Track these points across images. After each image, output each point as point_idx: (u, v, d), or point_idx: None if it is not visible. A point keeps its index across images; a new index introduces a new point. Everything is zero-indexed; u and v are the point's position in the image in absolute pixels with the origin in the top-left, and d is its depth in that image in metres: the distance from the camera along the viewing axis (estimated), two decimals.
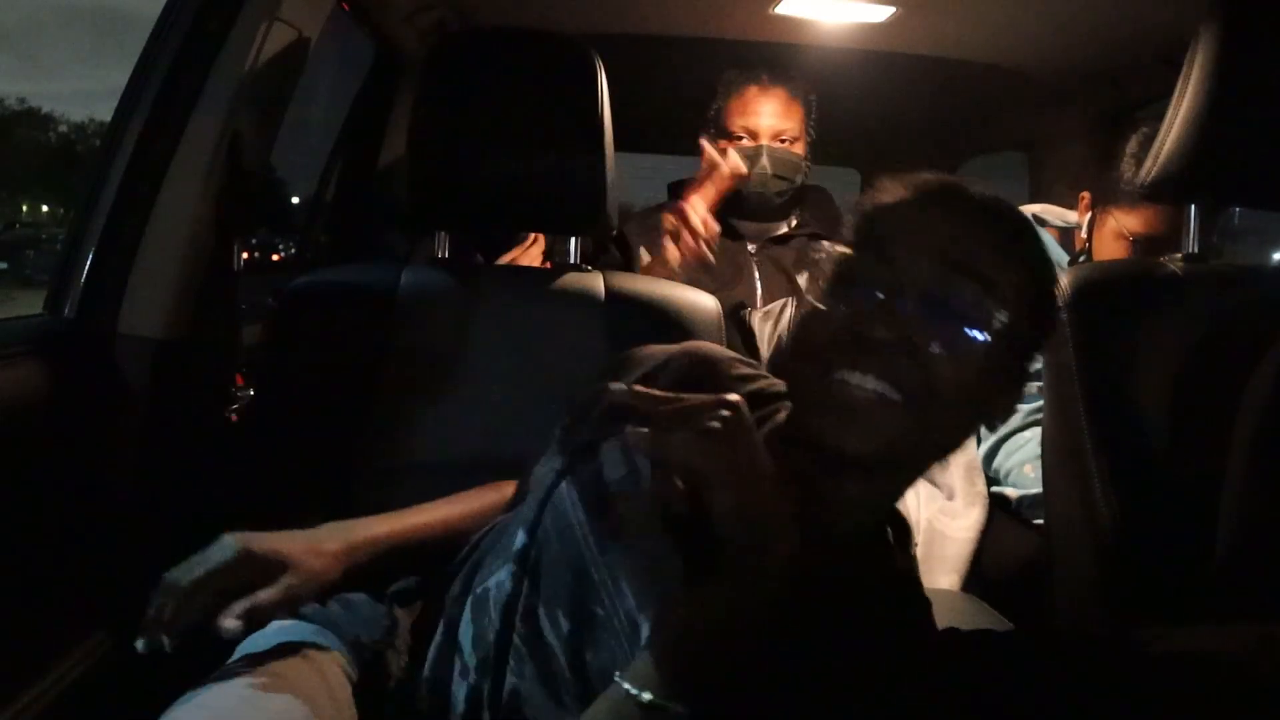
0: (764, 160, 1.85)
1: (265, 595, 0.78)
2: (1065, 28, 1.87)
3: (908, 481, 0.80)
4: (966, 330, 0.69)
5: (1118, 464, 1.06)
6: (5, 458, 0.99)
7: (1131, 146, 1.55)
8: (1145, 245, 1.54)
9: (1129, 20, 1.77)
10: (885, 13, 1.82)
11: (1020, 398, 0.78)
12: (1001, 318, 0.70)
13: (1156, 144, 1.13)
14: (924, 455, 0.75)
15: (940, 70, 2.13)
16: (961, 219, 0.73)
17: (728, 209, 1.93)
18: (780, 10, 1.85)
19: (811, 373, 0.71)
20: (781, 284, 1.90)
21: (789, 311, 1.69)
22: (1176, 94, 1.12)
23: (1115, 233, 1.60)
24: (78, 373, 1.12)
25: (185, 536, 1.15)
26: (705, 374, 0.86)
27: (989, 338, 0.69)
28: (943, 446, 0.76)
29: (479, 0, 1.89)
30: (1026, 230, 0.76)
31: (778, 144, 1.87)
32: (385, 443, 1.20)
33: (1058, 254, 1.72)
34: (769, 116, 1.87)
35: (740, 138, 1.87)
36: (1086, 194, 1.68)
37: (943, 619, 0.81)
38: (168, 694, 0.79)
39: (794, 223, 1.98)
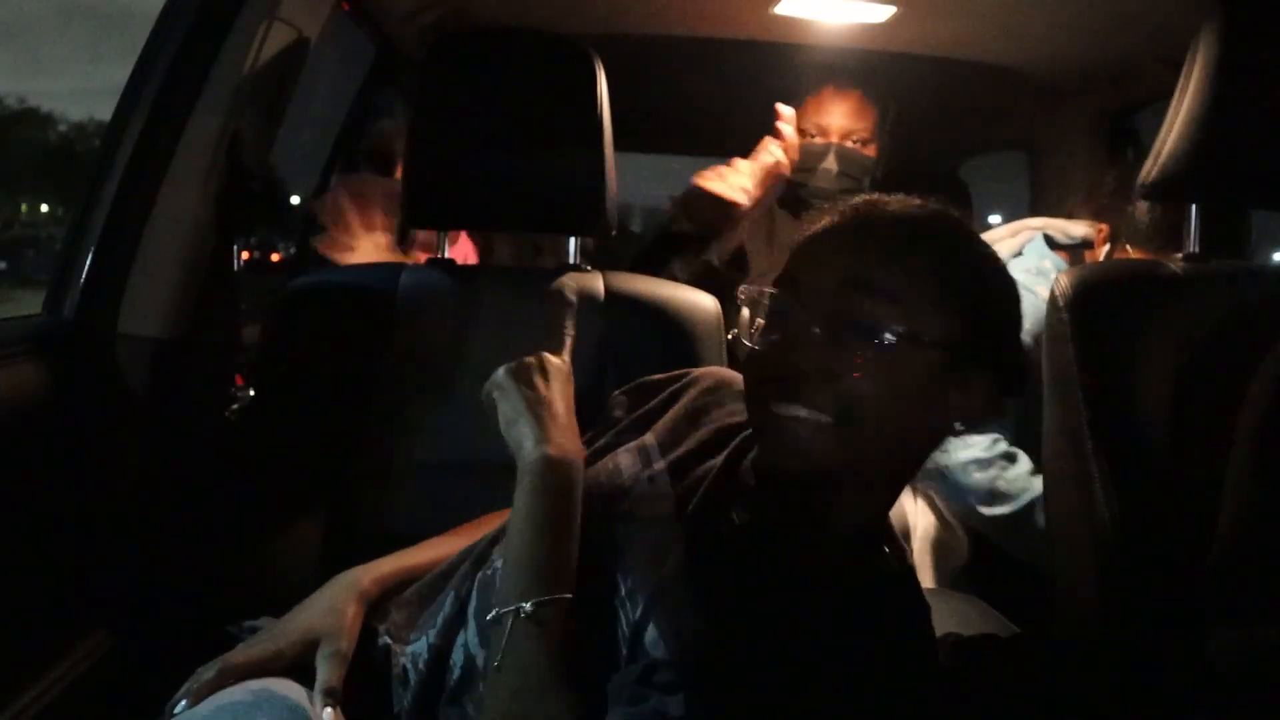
0: (830, 158, 1.90)
1: (325, 677, 0.80)
2: (1065, 28, 1.87)
3: (889, 492, 0.81)
4: (876, 346, 0.71)
5: (1118, 464, 1.06)
6: (5, 458, 0.99)
7: None
8: None
9: (1129, 20, 1.77)
10: (885, 13, 1.82)
11: (984, 402, 0.77)
12: (904, 328, 0.71)
13: (1157, 144, 1.13)
14: (884, 467, 0.77)
15: (940, 70, 2.13)
16: (861, 237, 0.75)
17: (793, 204, 1.99)
18: (780, 10, 1.85)
19: (755, 407, 0.76)
20: None
21: None
22: (1177, 94, 1.12)
23: None
24: (78, 373, 1.12)
25: (185, 536, 1.15)
26: (717, 397, 0.92)
27: (902, 349, 0.71)
28: (901, 457, 0.78)
29: (479, 0, 1.88)
30: (939, 237, 0.76)
31: (848, 144, 1.91)
32: (385, 443, 1.19)
33: None
34: (840, 116, 1.92)
35: (813, 135, 1.93)
36: (1106, 226, 1.65)
37: (943, 620, 0.81)
38: (167, 694, 0.79)
39: None
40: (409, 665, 0.84)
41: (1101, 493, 1.05)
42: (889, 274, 0.73)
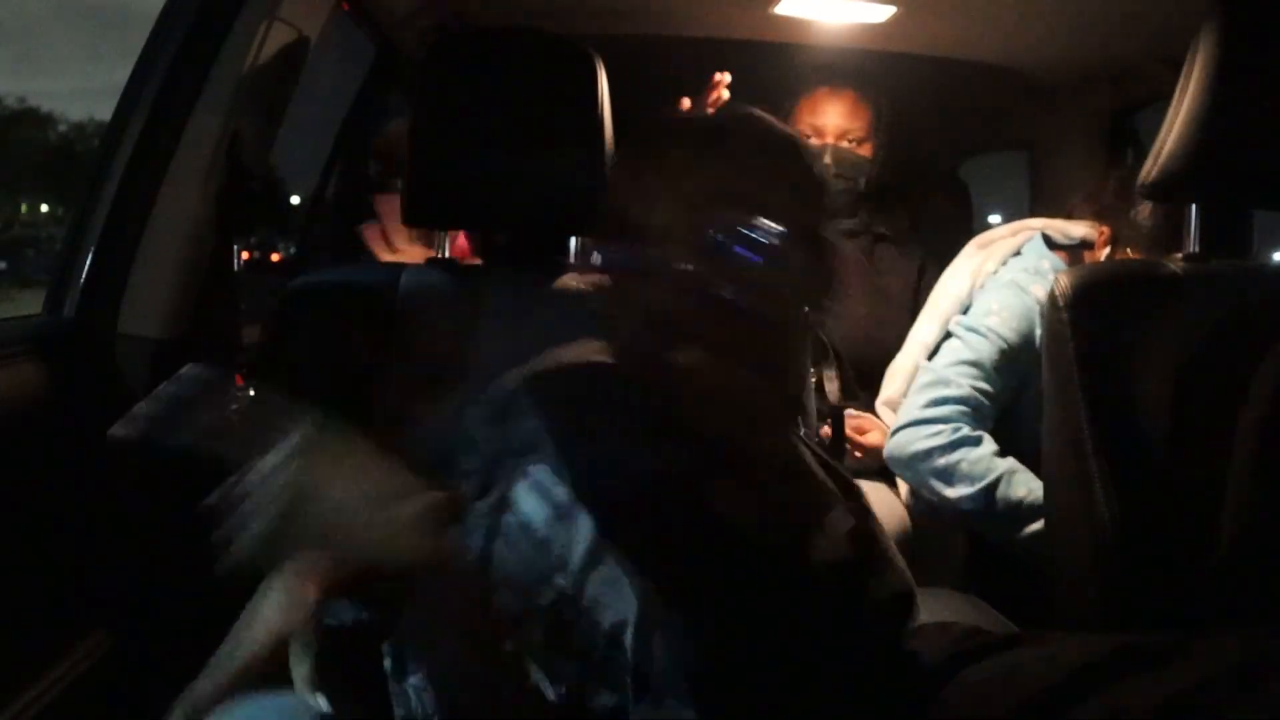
0: (827, 158, 1.88)
1: (306, 671, 0.75)
2: (1065, 28, 1.87)
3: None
4: (762, 258, 0.71)
5: (1118, 464, 1.05)
6: (5, 458, 0.99)
7: None
8: None
9: (1129, 20, 1.77)
10: (885, 13, 1.82)
11: (833, 263, 0.79)
12: (779, 232, 0.71)
13: (1156, 144, 1.13)
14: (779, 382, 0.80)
15: (940, 70, 2.13)
16: (707, 157, 0.75)
17: None
18: (780, 10, 1.85)
19: (644, 360, 0.72)
20: (852, 274, 1.91)
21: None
22: (1177, 94, 1.11)
23: None
24: (78, 373, 1.12)
25: (185, 537, 1.15)
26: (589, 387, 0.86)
27: (780, 254, 0.71)
28: (786, 336, 0.81)
29: (479, 0, 1.88)
30: (766, 136, 0.78)
31: (843, 144, 1.91)
32: (385, 443, 1.19)
33: None
34: (835, 116, 1.92)
35: (808, 135, 1.91)
36: (1107, 229, 1.64)
37: (943, 619, 0.81)
38: (167, 693, 0.79)
39: (860, 222, 2.00)
40: (413, 698, 0.77)
41: (1101, 493, 1.05)
42: (752, 184, 0.73)
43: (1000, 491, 1.48)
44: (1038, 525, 1.44)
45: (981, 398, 1.57)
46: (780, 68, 2.01)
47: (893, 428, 1.61)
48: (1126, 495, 1.04)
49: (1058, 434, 1.12)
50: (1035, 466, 1.28)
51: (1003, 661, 0.72)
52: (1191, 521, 0.96)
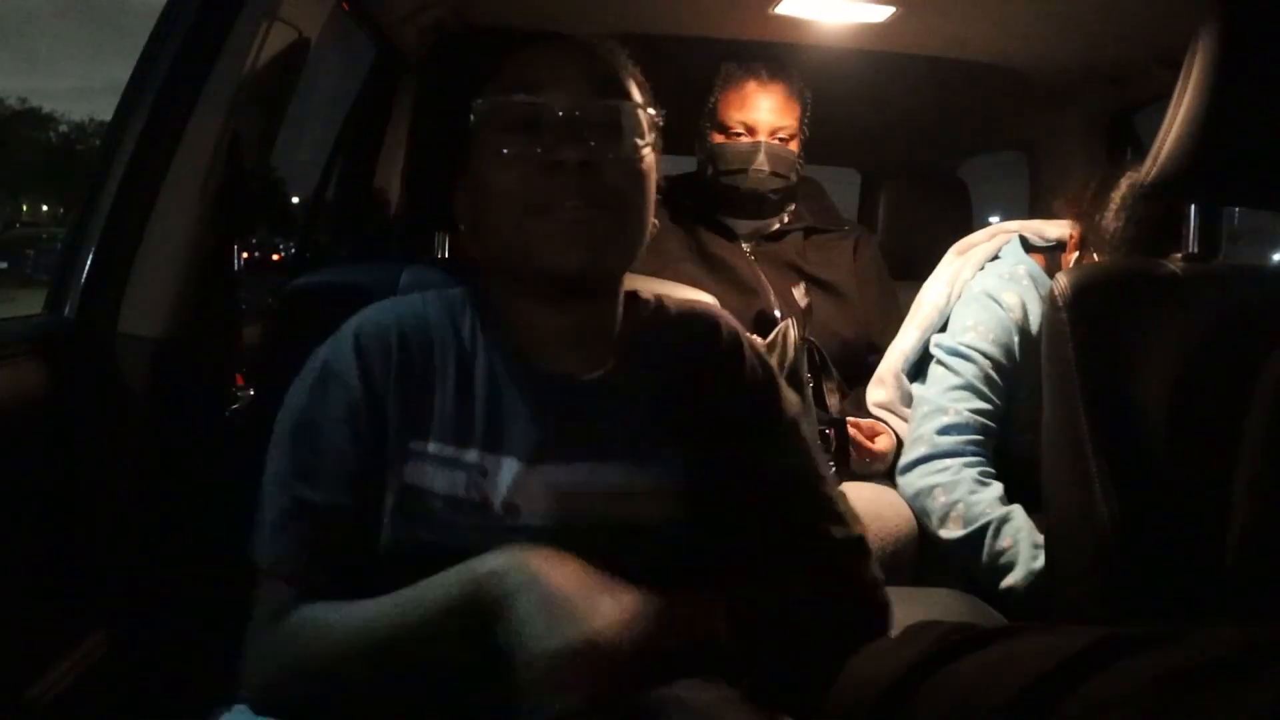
0: (761, 157, 1.85)
1: None
2: (1065, 28, 1.87)
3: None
4: (643, 139, 0.87)
5: (1118, 464, 1.06)
6: (5, 457, 0.99)
7: (1120, 193, 1.50)
8: None
9: (1129, 20, 1.77)
10: (885, 13, 1.82)
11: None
12: (644, 121, 0.88)
13: (1156, 144, 1.13)
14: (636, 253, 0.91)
15: (940, 70, 2.13)
16: (597, 54, 0.91)
17: (721, 208, 1.94)
18: (780, 10, 1.85)
19: (530, 213, 0.82)
20: (784, 279, 1.89)
21: (792, 335, 1.66)
22: (1176, 94, 1.11)
23: None
24: (78, 373, 1.12)
25: (185, 536, 1.15)
26: None
27: (645, 139, 0.87)
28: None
29: (479, 0, 1.88)
30: (617, 48, 0.94)
31: (775, 141, 1.86)
32: None
33: (1047, 283, 1.66)
34: (767, 113, 1.87)
35: (738, 133, 1.87)
36: (1077, 231, 1.64)
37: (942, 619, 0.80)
38: (168, 694, 0.79)
39: (786, 219, 1.99)
40: None
41: (1101, 493, 1.05)
42: (630, 79, 0.90)
43: (986, 539, 1.49)
44: (1014, 580, 1.46)
45: (982, 419, 1.58)
46: (779, 64, 2.00)
47: (902, 463, 1.62)
48: (1126, 495, 1.04)
49: (1058, 434, 1.12)
50: (1028, 470, 1.28)
51: (993, 653, 0.71)
52: (1191, 521, 0.96)
